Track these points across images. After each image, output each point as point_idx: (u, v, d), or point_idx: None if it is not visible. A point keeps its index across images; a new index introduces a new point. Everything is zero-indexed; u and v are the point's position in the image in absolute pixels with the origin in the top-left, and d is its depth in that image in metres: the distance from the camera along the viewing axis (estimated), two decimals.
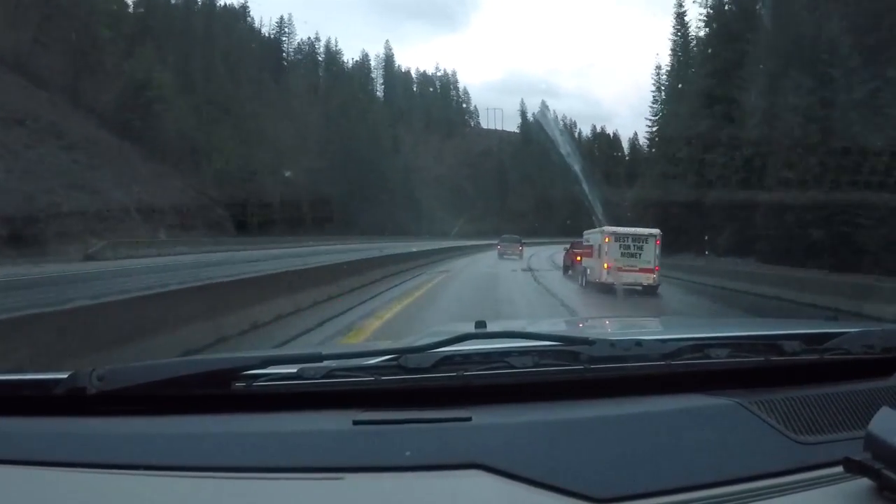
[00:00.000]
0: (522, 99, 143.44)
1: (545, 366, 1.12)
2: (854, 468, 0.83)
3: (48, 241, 23.76)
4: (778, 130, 24.49)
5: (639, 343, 1.19)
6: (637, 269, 16.73)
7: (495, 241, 39.69)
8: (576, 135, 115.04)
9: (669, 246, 21.83)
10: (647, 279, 16.60)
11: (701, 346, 1.21)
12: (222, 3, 71.97)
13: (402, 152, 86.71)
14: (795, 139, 23.13)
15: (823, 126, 21.93)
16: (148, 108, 41.53)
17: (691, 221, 30.48)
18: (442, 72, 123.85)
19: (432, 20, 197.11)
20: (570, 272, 22.57)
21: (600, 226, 21.82)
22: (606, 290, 15.86)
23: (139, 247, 26.91)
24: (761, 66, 27.94)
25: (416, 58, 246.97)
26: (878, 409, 0.88)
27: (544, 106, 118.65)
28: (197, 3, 65.57)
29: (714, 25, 37.13)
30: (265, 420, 1.03)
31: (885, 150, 18.74)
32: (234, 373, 1.08)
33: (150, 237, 30.87)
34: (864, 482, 0.84)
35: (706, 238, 29.40)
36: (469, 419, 1.00)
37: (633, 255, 16.89)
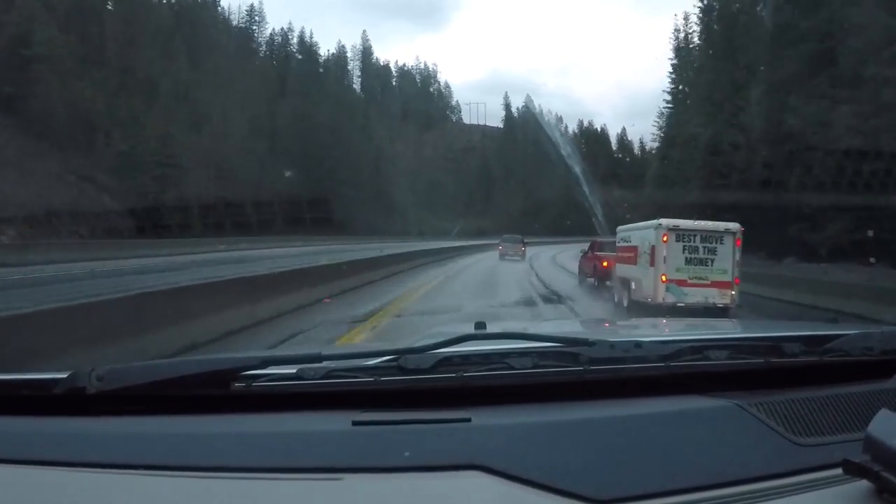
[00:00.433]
0: (507, 93, 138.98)
1: (544, 367, 1.14)
2: (853, 470, 0.85)
3: None
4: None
5: (638, 345, 1.21)
6: (708, 282, 11.74)
7: (481, 242, 38.12)
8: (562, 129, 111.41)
9: None
10: (724, 297, 11.58)
11: (700, 348, 1.23)
12: None
13: (375, 144, 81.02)
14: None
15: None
16: (25, 69, 33.84)
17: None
18: (422, 65, 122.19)
19: (412, 19, 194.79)
20: (593, 281, 18.34)
21: (600, 227, 16.50)
22: (661, 312, 10.90)
23: None
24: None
25: (396, 55, 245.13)
26: (877, 412, 0.90)
27: (529, 100, 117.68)
28: None
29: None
30: (265, 420, 1.05)
31: None
32: (233, 373, 1.09)
33: None
34: (864, 484, 0.85)
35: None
36: (468, 420, 1.02)
37: (702, 262, 11.86)
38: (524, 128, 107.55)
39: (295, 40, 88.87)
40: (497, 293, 16.13)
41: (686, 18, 46.93)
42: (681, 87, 47.20)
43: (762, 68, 30.98)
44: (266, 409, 1.07)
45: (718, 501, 0.89)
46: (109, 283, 13.52)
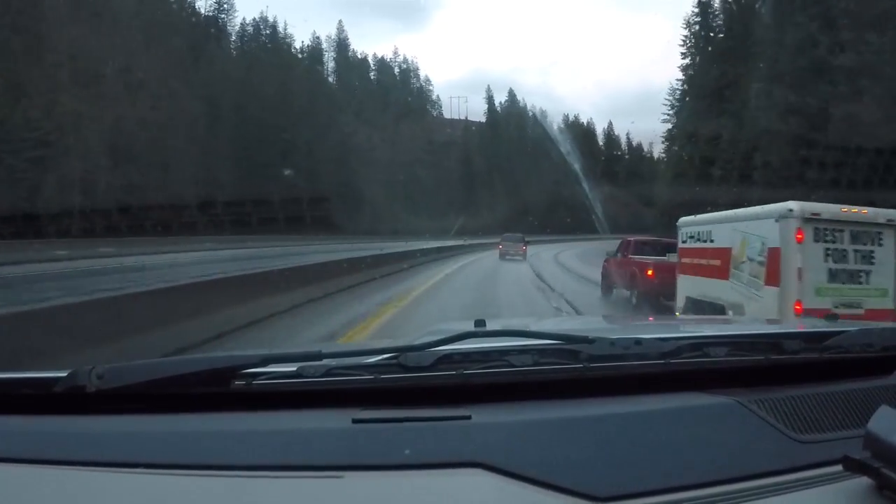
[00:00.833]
0: (489, 86, 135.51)
1: (545, 364, 1.16)
2: (853, 467, 0.87)
3: None
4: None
5: (638, 342, 1.23)
6: (862, 311, 7.25)
7: (474, 242, 37.08)
8: (545, 124, 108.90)
9: None
10: None
11: (700, 345, 1.25)
12: None
13: (342, 133, 74.20)
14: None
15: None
16: None
17: None
18: (402, 58, 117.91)
19: (393, 17, 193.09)
20: (629, 297, 13.77)
21: (601, 225, 13.25)
22: None
23: None
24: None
25: (375, 51, 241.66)
26: (877, 408, 0.91)
27: (512, 94, 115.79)
28: None
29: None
30: (265, 418, 1.07)
31: None
32: (233, 371, 1.11)
33: None
34: (864, 481, 0.88)
35: None
36: (469, 418, 1.04)
37: (853, 277, 7.45)
38: (508, 122, 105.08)
39: (267, 31, 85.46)
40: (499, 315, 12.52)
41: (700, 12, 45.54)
42: (684, 85, 46.71)
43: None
44: (267, 408, 1.09)
45: (719, 498, 0.91)
46: None
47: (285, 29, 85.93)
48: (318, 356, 1.14)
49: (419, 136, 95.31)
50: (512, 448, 0.96)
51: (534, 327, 1.96)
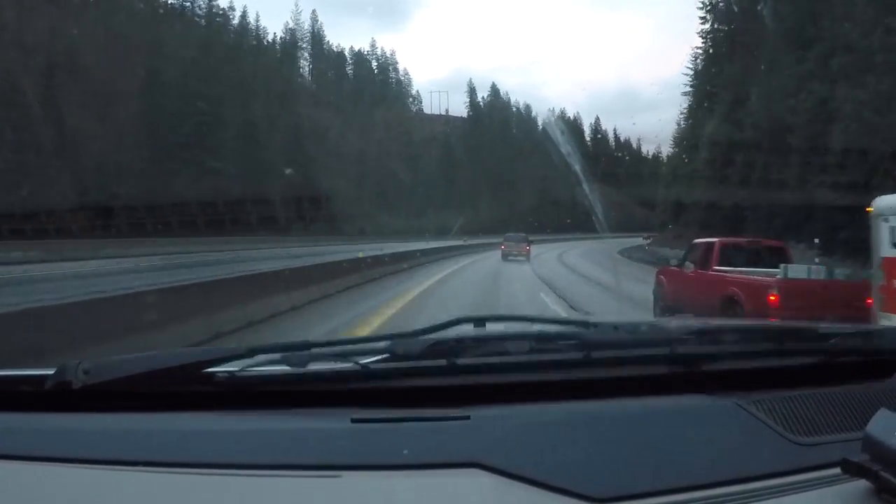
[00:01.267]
0: (471, 79, 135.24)
1: (542, 350, 1.18)
2: (852, 470, 0.89)
3: None
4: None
5: (641, 326, 1.29)
6: None
7: (458, 242, 36.65)
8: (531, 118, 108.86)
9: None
10: None
11: (704, 333, 1.29)
12: None
13: (297, 119, 68.09)
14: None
15: None
16: None
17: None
18: (380, 50, 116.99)
19: (372, 17, 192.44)
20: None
21: (600, 224, 14.50)
22: None
23: None
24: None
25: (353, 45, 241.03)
26: (876, 411, 0.93)
27: (495, 89, 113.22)
28: None
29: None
30: (263, 417, 1.09)
31: None
32: (217, 363, 1.12)
33: None
34: (862, 484, 0.89)
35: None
36: (467, 418, 1.06)
37: None
38: (492, 117, 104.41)
39: (236, 20, 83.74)
40: None
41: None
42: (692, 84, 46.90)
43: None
44: (264, 406, 1.11)
45: (717, 500, 0.93)
46: None
47: (257, 20, 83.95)
48: (306, 346, 1.17)
49: (395, 128, 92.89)
50: (511, 448, 0.98)
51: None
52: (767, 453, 1.02)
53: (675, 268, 10.78)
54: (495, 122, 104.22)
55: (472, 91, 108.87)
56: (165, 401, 1.11)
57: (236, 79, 61.18)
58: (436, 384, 1.15)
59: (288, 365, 1.13)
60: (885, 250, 6.63)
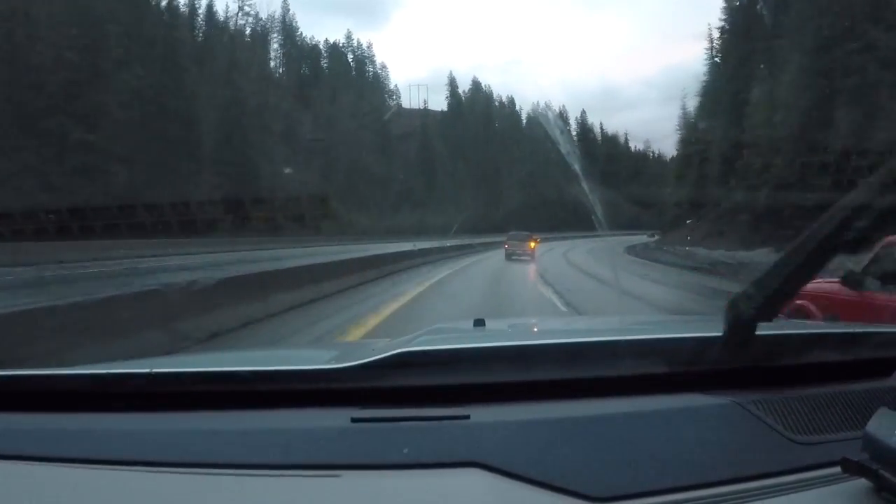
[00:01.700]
0: (451, 71, 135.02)
1: (541, 367, 1.23)
2: (852, 469, 0.91)
3: None
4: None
5: (637, 343, 1.34)
6: None
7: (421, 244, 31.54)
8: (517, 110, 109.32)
9: None
10: None
11: (702, 344, 1.30)
12: None
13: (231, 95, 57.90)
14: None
15: None
16: None
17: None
18: (355, 43, 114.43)
19: (351, 16, 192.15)
20: None
21: (600, 225, 11.77)
22: None
23: None
24: None
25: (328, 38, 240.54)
26: (876, 410, 0.96)
27: (475, 83, 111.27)
28: None
29: None
30: (263, 417, 1.12)
31: None
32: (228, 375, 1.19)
33: None
34: (862, 483, 0.92)
35: None
36: (467, 417, 1.09)
37: None
38: (473, 110, 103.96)
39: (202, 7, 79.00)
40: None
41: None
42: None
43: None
44: (265, 406, 1.14)
45: (717, 499, 0.95)
46: None
47: (226, 10, 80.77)
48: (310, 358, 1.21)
49: (375, 125, 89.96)
50: (510, 448, 1.01)
51: (538, 328, 2.03)
52: (767, 452, 1.05)
53: (835, 284, 5.76)
54: (477, 115, 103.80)
55: (452, 81, 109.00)
56: (169, 402, 1.14)
57: (147, 37, 48.47)
58: (435, 383, 1.18)
59: (296, 375, 1.19)
60: None
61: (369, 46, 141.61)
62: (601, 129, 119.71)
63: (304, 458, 1.00)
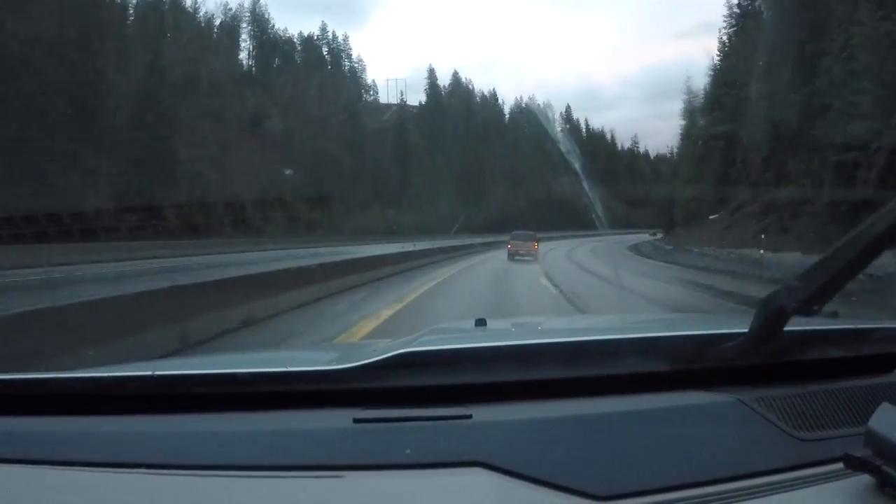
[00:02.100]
0: (430, 64, 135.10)
1: (543, 366, 1.25)
2: (854, 465, 0.94)
3: None
4: None
5: (639, 342, 1.36)
6: None
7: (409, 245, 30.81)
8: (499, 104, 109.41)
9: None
10: None
11: (703, 342, 1.34)
12: None
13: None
14: None
15: None
16: None
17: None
18: (331, 35, 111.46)
19: (331, 15, 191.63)
20: None
21: (601, 224, 14.60)
22: None
23: None
24: None
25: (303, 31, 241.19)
26: (878, 406, 0.97)
27: (456, 77, 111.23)
28: None
29: None
30: (266, 419, 1.14)
31: None
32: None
33: None
34: (865, 479, 0.94)
35: None
36: (469, 417, 1.11)
37: None
38: (452, 103, 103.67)
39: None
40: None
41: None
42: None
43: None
44: (268, 408, 1.16)
45: (720, 496, 0.97)
46: None
47: (195, 3, 79.10)
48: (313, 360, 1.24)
49: (350, 122, 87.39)
50: (513, 447, 1.03)
51: (542, 327, 2.07)
52: (770, 449, 1.08)
53: None
54: (457, 109, 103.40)
55: (431, 73, 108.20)
56: (173, 404, 1.16)
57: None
58: (437, 383, 1.21)
59: (297, 377, 1.21)
60: None
61: (345, 39, 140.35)
62: (587, 125, 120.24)
63: (307, 459, 1.02)
